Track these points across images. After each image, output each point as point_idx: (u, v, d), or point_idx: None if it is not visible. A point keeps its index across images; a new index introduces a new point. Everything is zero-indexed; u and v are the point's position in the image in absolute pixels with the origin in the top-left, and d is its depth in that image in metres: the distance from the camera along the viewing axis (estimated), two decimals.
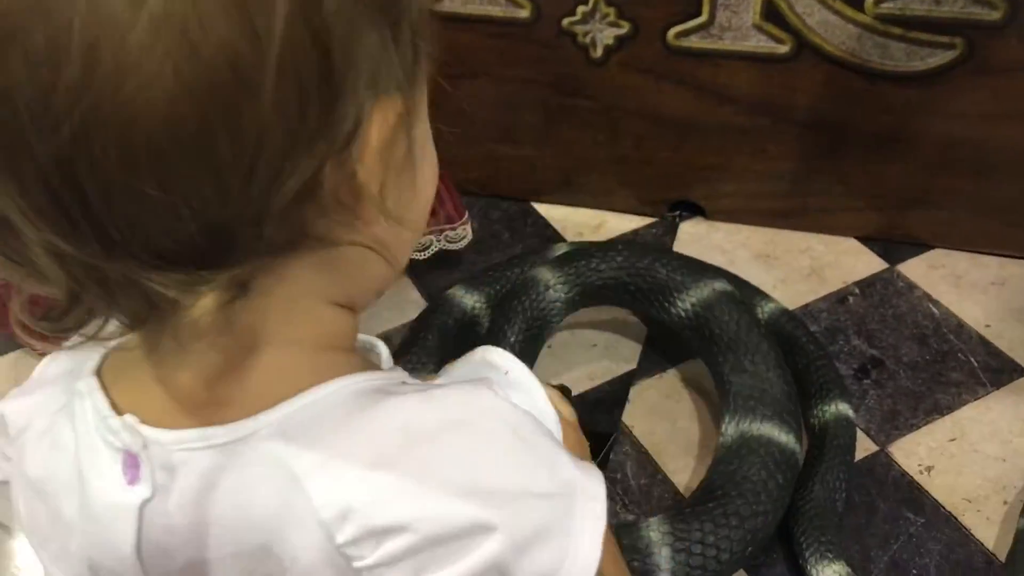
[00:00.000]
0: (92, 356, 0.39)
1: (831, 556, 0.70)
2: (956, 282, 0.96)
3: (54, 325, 0.35)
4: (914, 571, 0.72)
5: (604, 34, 0.94)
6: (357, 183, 0.32)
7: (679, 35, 0.92)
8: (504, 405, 0.37)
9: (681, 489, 0.79)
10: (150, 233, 0.29)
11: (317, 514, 0.33)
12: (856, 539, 0.74)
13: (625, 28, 0.93)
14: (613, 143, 1.02)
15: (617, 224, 1.07)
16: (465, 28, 0.97)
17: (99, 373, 0.39)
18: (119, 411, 0.37)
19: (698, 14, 0.90)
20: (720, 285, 0.85)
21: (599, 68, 0.96)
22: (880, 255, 0.99)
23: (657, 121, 0.99)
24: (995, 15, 0.82)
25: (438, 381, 0.42)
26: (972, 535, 0.74)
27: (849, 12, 0.86)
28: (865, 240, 1.01)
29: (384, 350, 0.44)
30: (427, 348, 0.87)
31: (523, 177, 1.08)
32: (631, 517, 0.77)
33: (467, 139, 1.05)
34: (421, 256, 0.96)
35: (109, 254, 0.29)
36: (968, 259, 0.98)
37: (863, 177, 0.97)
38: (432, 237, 0.95)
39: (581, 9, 0.92)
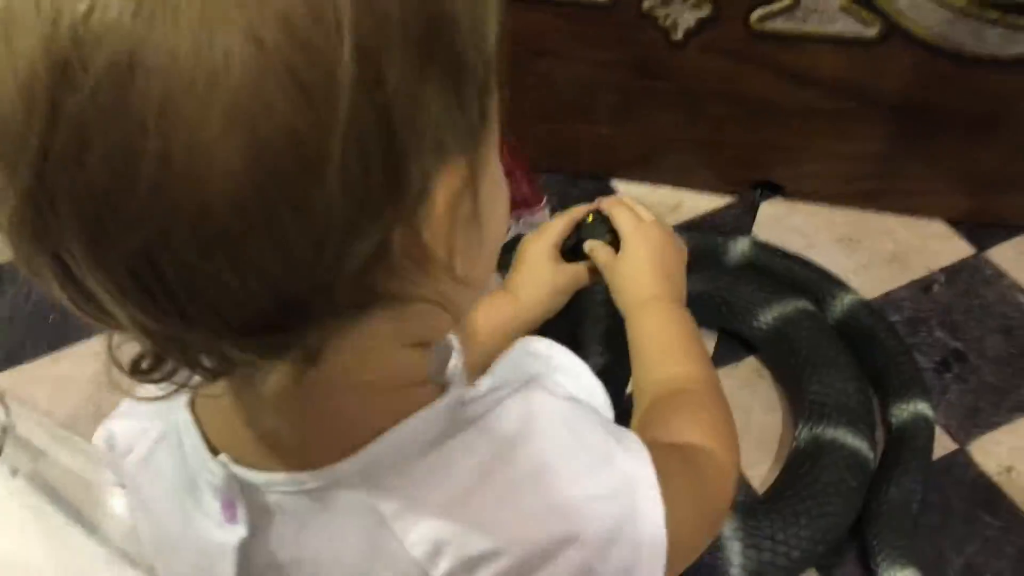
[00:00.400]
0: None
1: (903, 561, 0.71)
2: None
3: (142, 377, 0.36)
4: (989, 575, 0.73)
5: (685, 17, 0.92)
6: (424, 245, 0.33)
7: (762, 18, 0.89)
8: (555, 404, 0.39)
9: (754, 483, 0.81)
10: (226, 307, 0.30)
11: (409, 553, 0.36)
12: (930, 541, 0.75)
13: (706, 11, 0.91)
14: (692, 125, 1.01)
15: (695, 204, 1.06)
16: (545, 9, 0.96)
17: (192, 407, 0.41)
18: (214, 449, 0.39)
19: None
20: (801, 303, 0.86)
21: (679, 51, 0.95)
22: (968, 239, 0.97)
23: (738, 103, 0.97)
24: None
25: (486, 382, 0.43)
26: None
27: None
28: (952, 223, 0.98)
29: (456, 352, 0.45)
30: None
31: (601, 155, 1.08)
32: None
33: (544, 117, 1.06)
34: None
35: (188, 327, 0.30)
36: None
37: (952, 160, 0.94)
38: (511, 221, 0.97)
39: None
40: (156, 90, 0.26)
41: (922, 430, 0.79)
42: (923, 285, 0.94)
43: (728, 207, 1.05)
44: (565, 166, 1.11)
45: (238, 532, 0.39)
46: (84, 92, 0.26)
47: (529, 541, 0.36)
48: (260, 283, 0.29)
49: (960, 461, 0.80)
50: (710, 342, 0.92)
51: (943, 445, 0.81)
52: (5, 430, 1.08)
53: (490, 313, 0.68)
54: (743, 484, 0.81)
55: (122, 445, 0.46)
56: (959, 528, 0.76)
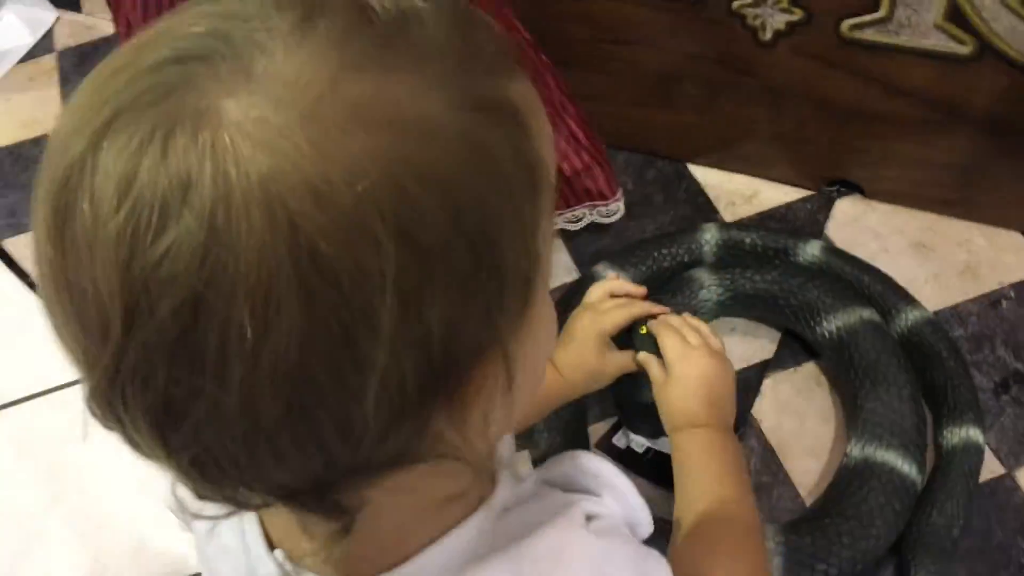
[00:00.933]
0: None
1: None
2: None
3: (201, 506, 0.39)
4: None
5: (775, 19, 0.91)
6: (461, 425, 0.35)
7: (853, 27, 0.88)
8: (588, 546, 0.42)
9: (801, 492, 0.84)
10: (265, 486, 0.34)
11: None
12: (966, 563, 0.78)
13: (797, 15, 0.90)
14: (775, 122, 1.01)
15: (771, 195, 1.07)
16: (636, 1, 0.97)
17: None
18: (270, 542, 0.43)
19: (876, 9, 0.86)
20: (867, 314, 0.87)
21: (767, 50, 0.94)
22: None
23: (822, 106, 0.97)
24: None
25: (530, 481, 0.46)
26: None
27: None
28: None
29: (505, 442, 0.48)
30: None
31: (681, 140, 1.09)
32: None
33: (629, 102, 1.07)
34: (573, 227, 1.01)
35: (235, 493, 0.34)
36: None
37: None
38: (585, 210, 0.99)
39: None
40: (216, 335, 0.29)
41: (971, 456, 0.81)
42: (992, 300, 0.94)
43: (804, 200, 1.06)
44: (644, 147, 1.12)
45: None
46: (150, 329, 0.29)
47: None
48: (295, 474, 0.33)
49: (1006, 486, 0.82)
50: (773, 344, 0.95)
51: (991, 468, 0.83)
52: None
53: None
54: (790, 492, 0.85)
55: (192, 507, 0.51)
56: (996, 554, 0.79)
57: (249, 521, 0.44)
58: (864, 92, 0.93)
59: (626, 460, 0.87)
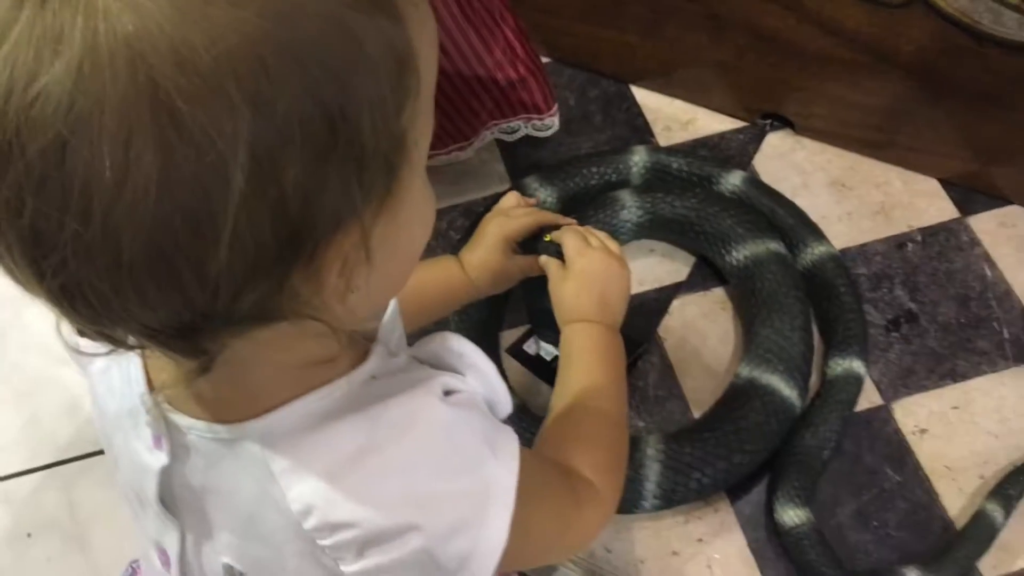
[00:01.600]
0: None
1: (798, 501, 0.80)
2: (1021, 245, 0.97)
3: (89, 343, 0.42)
4: (874, 523, 0.82)
5: None
6: (318, 285, 0.38)
7: None
8: (441, 412, 0.45)
9: (692, 407, 0.89)
10: (136, 326, 0.37)
11: (288, 506, 0.44)
12: (832, 484, 0.84)
13: None
14: (715, 48, 1.03)
15: (707, 123, 1.09)
16: None
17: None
18: (152, 385, 0.47)
19: None
20: (774, 246, 0.90)
21: None
22: (955, 202, 1.00)
23: (761, 37, 0.99)
24: None
25: (402, 357, 0.49)
26: (939, 501, 0.83)
27: None
28: (946, 183, 1.01)
29: (391, 313, 0.50)
30: None
31: (625, 62, 1.11)
32: (640, 424, 0.88)
33: (578, 18, 1.08)
34: (508, 139, 1.03)
35: (110, 330, 0.38)
36: None
37: (954, 126, 0.96)
38: (520, 123, 1.01)
39: None
40: (79, 176, 0.32)
41: (850, 386, 0.86)
42: (899, 241, 0.98)
43: (737, 131, 1.09)
44: (589, 65, 1.14)
45: (161, 459, 0.47)
46: (20, 168, 0.32)
47: (379, 521, 0.42)
48: (163, 314, 0.36)
49: (881, 416, 0.88)
50: (687, 267, 0.99)
51: (870, 399, 0.88)
52: None
53: (439, 277, 0.75)
54: (681, 407, 0.89)
55: (87, 350, 0.51)
56: (862, 477, 0.84)
57: (136, 366, 0.48)
58: (800, 29, 0.95)
59: (534, 365, 0.92)
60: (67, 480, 1.24)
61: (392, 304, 0.50)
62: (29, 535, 1.19)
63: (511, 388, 0.75)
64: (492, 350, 0.93)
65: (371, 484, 0.43)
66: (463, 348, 0.50)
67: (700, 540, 0.82)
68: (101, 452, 1.23)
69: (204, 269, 0.34)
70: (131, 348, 0.40)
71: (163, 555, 0.52)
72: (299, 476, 0.43)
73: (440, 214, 1.03)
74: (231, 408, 0.45)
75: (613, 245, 0.75)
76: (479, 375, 0.50)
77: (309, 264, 0.37)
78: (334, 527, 0.43)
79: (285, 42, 0.33)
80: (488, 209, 0.97)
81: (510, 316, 0.96)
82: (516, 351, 0.93)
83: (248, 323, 0.38)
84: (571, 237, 0.73)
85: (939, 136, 0.98)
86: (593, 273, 0.71)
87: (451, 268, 0.76)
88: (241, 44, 0.32)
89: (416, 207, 0.43)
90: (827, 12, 0.92)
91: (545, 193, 0.99)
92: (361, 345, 0.47)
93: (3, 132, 0.32)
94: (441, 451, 0.45)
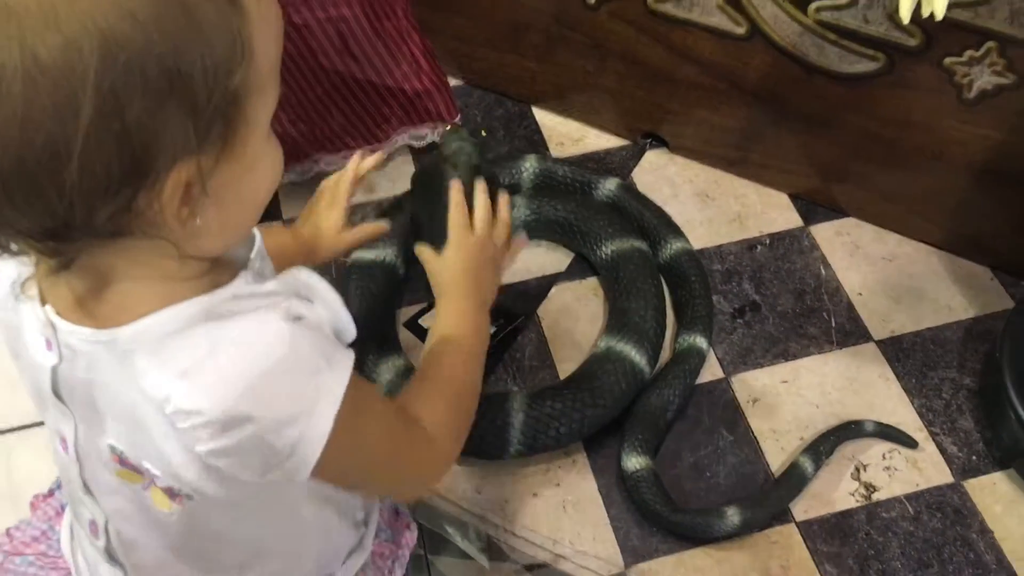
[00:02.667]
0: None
1: (640, 450, 0.93)
2: (853, 251, 1.12)
3: None
4: (707, 474, 0.95)
5: None
6: (160, 207, 0.48)
7: (658, 0, 1.06)
8: (285, 326, 0.53)
9: (560, 374, 1.02)
10: (9, 230, 0.47)
11: (151, 397, 0.53)
12: (674, 441, 0.97)
13: None
14: (600, 74, 1.19)
15: (595, 141, 1.25)
16: None
17: (36, 263, 0.57)
18: (43, 300, 0.56)
19: None
20: (637, 243, 1.06)
21: (593, 12, 1.12)
22: (800, 214, 1.16)
23: (635, 65, 1.14)
24: (913, 41, 0.95)
25: (269, 285, 0.57)
26: (764, 457, 0.96)
27: (794, 12, 0.99)
28: (795, 197, 1.17)
29: (256, 243, 0.61)
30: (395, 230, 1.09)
31: (526, 85, 1.26)
32: (514, 388, 1.01)
33: (485, 43, 1.24)
34: (417, 144, 1.18)
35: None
36: (874, 232, 1.14)
37: (796, 147, 1.12)
38: (427, 130, 1.16)
39: None
40: None
41: (693, 358, 1.00)
42: (750, 244, 1.13)
43: (620, 148, 1.24)
44: (496, 88, 1.29)
45: (52, 359, 0.56)
46: None
47: (219, 411, 0.51)
48: (30, 220, 0.47)
49: (721, 387, 1.01)
50: (566, 260, 1.13)
51: (714, 373, 1.02)
52: None
53: (271, 242, 0.78)
54: (551, 375, 1.02)
55: None
56: (700, 436, 0.98)
57: (30, 283, 0.57)
58: (667, 58, 1.11)
59: (426, 337, 1.04)
60: (7, 448, 1.34)
61: (257, 239, 0.61)
62: None
63: (406, 356, 0.88)
64: (390, 322, 1.05)
65: (216, 381, 0.51)
66: (312, 280, 0.59)
67: (558, 485, 0.95)
68: (38, 424, 1.33)
69: (60, 184, 0.44)
70: (13, 253, 0.51)
71: (63, 443, 0.62)
72: (159, 373, 0.52)
73: (355, 209, 1.17)
74: (106, 317, 0.55)
75: (500, 230, 0.84)
76: (327, 305, 0.59)
77: (151, 190, 0.47)
78: (187, 414, 0.51)
79: (131, 11, 0.44)
80: (397, 206, 1.12)
81: (408, 295, 1.09)
82: (412, 325, 1.06)
83: (105, 235, 0.49)
84: (457, 212, 0.82)
85: (785, 155, 1.14)
86: (471, 254, 0.80)
87: (283, 235, 0.86)
88: (94, 8, 0.43)
89: (258, 159, 0.53)
90: (688, 43, 1.08)
91: None
92: (230, 271, 0.57)
93: None
94: (277, 358, 0.53)
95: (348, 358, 0.57)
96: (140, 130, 0.45)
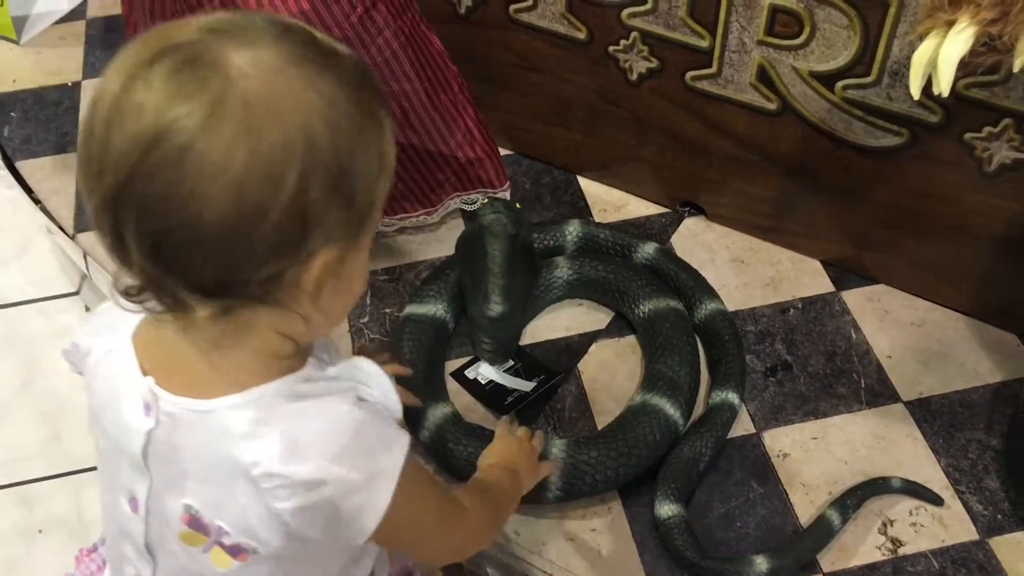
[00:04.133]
0: (129, 320, 0.65)
1: (673, 498, 0.98)
2: (883, 316, 1.17)
3: (128, 298, 0.61)
4: (737, 524, 0.99)
5: (639, 64, 1.17)
6: (303, 280, 0.58)
7: (694, 78, 1.14)
8: (355, 413, 0.62)
9: (599, 426, 1.08)
10: (191, 277, 0.56)
11: (241, 462, 0.61)
12: (706, 492, 1.02)
13: (654, 63, 1.16)
14: (640, 146, 1.26)
15: (636, 208, 1.32)
16: (539, 36, 1.22)
17: (133, 337, 0.65)
18: (144, 371, 0.63)
19: (709, 66, 1.11)
20: (673, 303, 1.12)
21: (634, 87, 1.20)
22: (832, 279, 1.21)
23: (674, 138, 1.22)
24: (934, 118, 1.01)
25: (332, 371, 0.66)
26: (792, 510, 1.00)
27: (822, 90, 1.06)
28: (826, 264, 1.22)
29: (327, 341, 0.71)
30: (447, 283, 1.17)
31: (572, 156, 1.34)
32: (554, 437, 1.06)
33: (534, 117, 1.33)
34: (469, 208, 1.26)
35: (167, 277, 0.56)
36: (903, 299, 1.18)
37: (827, 216, 1.18)
38: (479, 195, 1.24)
39: (623, 42, 1.16)
40: (190, 175, 0.52)
41: (725, 413, 1.05)
42: (783, 307, 1.18)
43: (660, 215, 1.31)
44: (544, 158, 1.37)
45: (148, 424, 0.63)
46: (146, 176, 0.53)
47: (302, 475, 0.60)
48: (212, 270, 0.56)
49: (753, 442, 1.06)
50: (606, 319, 1.19)
51: (746, 428, 1.07)
52: (84, 278, 1.43)
53: None
54: (589, 426, 1.08)
55: (83, 349, 0.69)
56: (731, 488, 1.02)
57: (129, 353, 0.64)
58: (704, 131, 1.19)
59: (472, 388, 1.11)
60: (77, 487, 1.42)
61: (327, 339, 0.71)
62: (40, 531, 1.37)
63: (453, 404, 0.96)
64: (439, 372, 1.12)
65: (300, 451, 0.61)
66: (369, 368, 0.68)
67: (594, 530, 1.00)
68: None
69: (250, 240, 0.54)
70: (167, 306, 0.59)
71: (133, 502, 0.67)
72: (252, 441, 0.61)
73: (409, 267, 1.25)
74: (207, 384, 0.62)
75: (536, 439, 0.95)
76: (380, 388, 0.68)
77: (303, 264, 0.57)
78: (272, 476, 0.60)
79: (335, 123, 0.55)
80: (449, 266, 1.19)
81: (456, 348, 1.16)
82: (459, 375, 1.13)
83: (253, 298, 0.57)
84: (502, 427, 0.95)
85: (816, 223, 1.19)
86: (510, 449, 0.92)
87: None
88: (310, 114, 0.54)
89: (362, 259, 0.63)
90: (723, 117, 1.15)
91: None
92: (303, 355, 0.65)
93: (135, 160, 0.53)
94: (350, 435, 0.62)
95: (404, 440, 0.66)
96: (314, 211, 0.55)
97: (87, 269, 1.31)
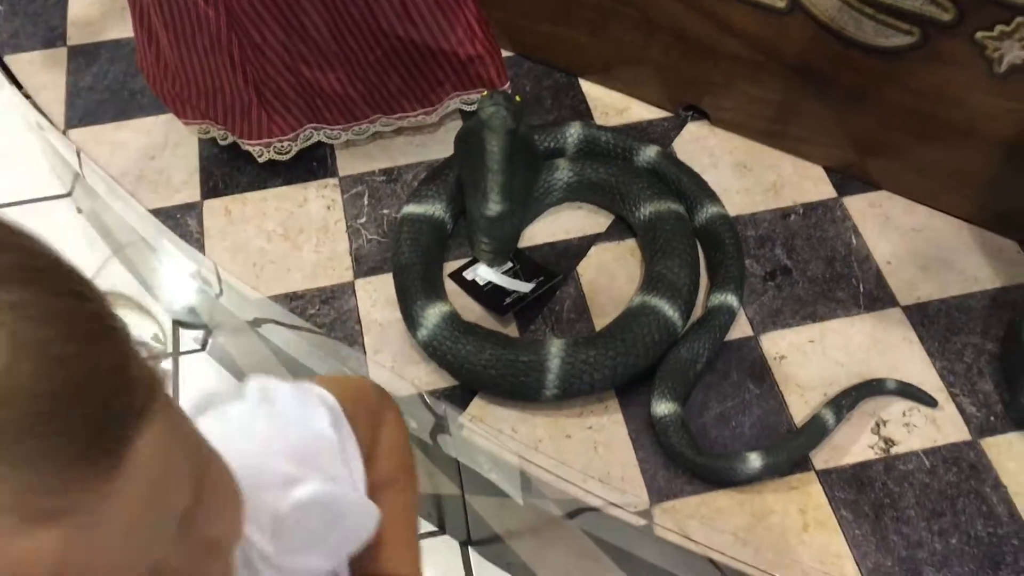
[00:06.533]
0: None
1: (670, 397, 0.98)
2: (884, 222, 1.16)
3: None
4: (733, 423, 1.00)
5: None
6: None
7: None
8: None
9: (597, 327, 1.08)
10: None
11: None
12: (703, 392, 1.02)
13: None
14: (646, 47, 1.24)
15: (638, 112, 1.30)
16: None
17: None
18: None
19: None
20: (674, 206, 1.11)
21: None
22: (834, 185, 1.20)
23: (680, 39, 1.19)
24: (946, 16, 0.98)
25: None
26: (787, 410, 1.01)
27: None
28: (829, 170, 1.21)
29: None
30: (446, 183, 1.15)
31: (575, 57, 1.32)
32: (552, 337, 1.07)
33: (539, 18, 1.29)
34: (468, 108, 1.24)
35: None
36: (904, 205, 1.17)
37: (833, 120, 1.16)
38: (478, 95, 1.22)
39: None
40: None
41: (724, 314, 1.05)
42: (784, 213, 1.18)
43: (663, 120, 1.29)
44: (546, 60, 1.34)
45: None
46: None
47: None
48: None
49: (750, 344, 1.06)
50: (606, 222, 1.18)
51: (743, 331, 1.07)
52: (76, 177, 1.41)
53: None
54: (587, 328, 1.08)
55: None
56: (728, 388, 1.03)
57: None
58: (710, 31, 1.16)
59: (469, 288, 1.11)
60: None
61: None
62: None
63: (451, 303, 0.95)
64: (437, 272, 1.12)
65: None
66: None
67: (590, 428, 1.00)
68: None
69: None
70: None
71: None
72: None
73: (407, 168, 1.23)
74: None
75: None
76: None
77: None
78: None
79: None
80: (447, 166, 1.18)
81: (455, 249, 1.15)
82: (457, 277, 1.12)
83: None
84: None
85: (821, 128, 1.18)
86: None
87: None
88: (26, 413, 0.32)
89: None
90: (732, 16, 1.13)
91: None
92: None
93: None
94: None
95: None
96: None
97: (79, 167, 1.29)
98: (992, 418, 0.99)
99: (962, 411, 1.00)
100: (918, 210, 1.17)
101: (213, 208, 1.22)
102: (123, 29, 1.45)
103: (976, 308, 1.07)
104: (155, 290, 1.46)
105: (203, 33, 1.09)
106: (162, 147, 1.28)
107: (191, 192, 1.23)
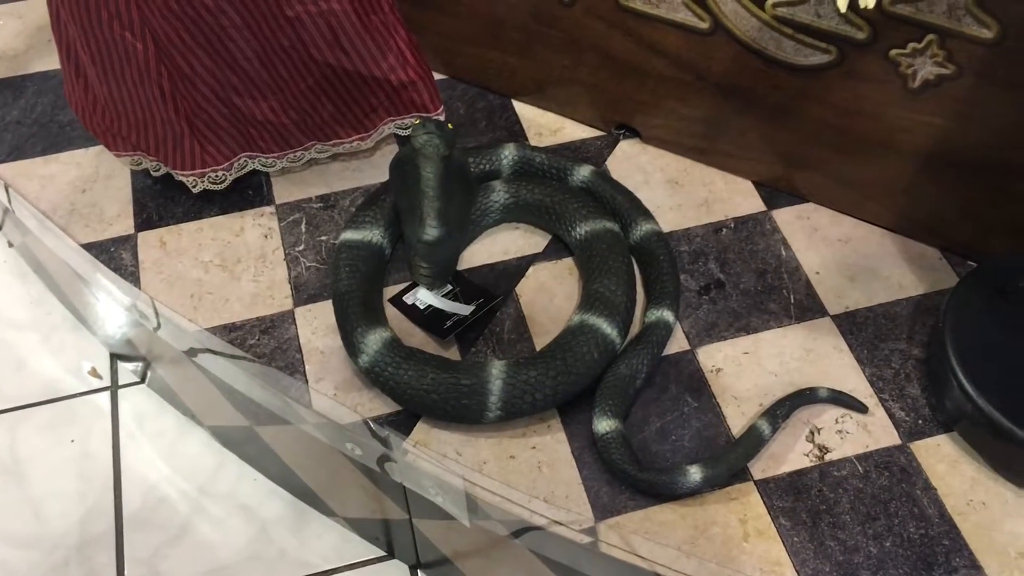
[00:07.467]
0: None
1: (610, 414, 1.00)
2: (811, 233, 1.20)
3: None
4: (673, 437, 1.02)
5: None
6: None
7: None
8: None
9: (537, 347, 1.09)
10: None
11: None
12: (642, 407, 1.04)
13: None
14: (575, 68, 1.26)
15: (572, 131, 1.32)
16: None
17: None
18: None
19: None
20: (608, 224, 1.13)
21: (568, 8, 1.19)
22: (764, 199, 1.23)
23: (608, 59, 1.22)
24: (861, 35, 1.02)
25: None
26: (725, 422, 1.03)
27: (753, 8, 1.06)
28: (758, 184, 1.24)
29: None
30: (383, 208, 1.16)
31: (507, 79, 1.33)
32: (493, 359, 1.08)
33: (469, 41, 1.31)
34: (402, 133, 1.24)
35: None
36: (831, 216, 1.21)
37: (760, 136, 1.19)
38: (412, 120, 1.22)
39: None
40: None
41: (660, 330, 1.07)
42: (716, 227, 1.20)
43: (596, 139, 1.31)
44: (479, 82, 1.36)
45: None
46: None
47: None
48: None
49: (687, 358, 1.08)
50: (543, 242, 1.20)
51: (680, 345, 1.09)
52: (6, 211, 1.38)
53: None
54: (528, 348, 1.09)
55: None
56: (667, 403, 1.05)
57: None
58: (637, 52, 1.18)
59: (411, 313, 1.11)
60: (10, 425, 1.40)
61: None
62: None
63: (391, 329, 0.94)
64: (377, 298, 1.12)
65: None
66: None
67: (534, 448, 1.02)
68: (40, 403, 1.39)
69: None
70: None
71: None
72: None
73: (344, 194, 1.24)
74: None
75: None
76: None
77: None
78: None
79: None
80: (383, 191, 1.18)
81: (394, 274, 1.16)
82: (397, 301, 1.13)
83: None
84: None
85: (749, 144, 1.21)
86: None
87: None
88: None
89: None
90: (656, 38, 1.15)
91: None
92: None
93: None
94: None
95: None
96: None
97: (8, 202, 1.27)
98: (920, 421, 1.03)
99: (892, 416, 1.03)
100: (844, 221, 1.21)
101: (148, 240, 1.20)
102: (50, 61, 1.43)
103: (902, 315, 1.11)
104: (91, 323, 1.44)
105: (132, 66, 1.08)
106: (93, 179, 1.27)
107: (124, 225, 1.22)
